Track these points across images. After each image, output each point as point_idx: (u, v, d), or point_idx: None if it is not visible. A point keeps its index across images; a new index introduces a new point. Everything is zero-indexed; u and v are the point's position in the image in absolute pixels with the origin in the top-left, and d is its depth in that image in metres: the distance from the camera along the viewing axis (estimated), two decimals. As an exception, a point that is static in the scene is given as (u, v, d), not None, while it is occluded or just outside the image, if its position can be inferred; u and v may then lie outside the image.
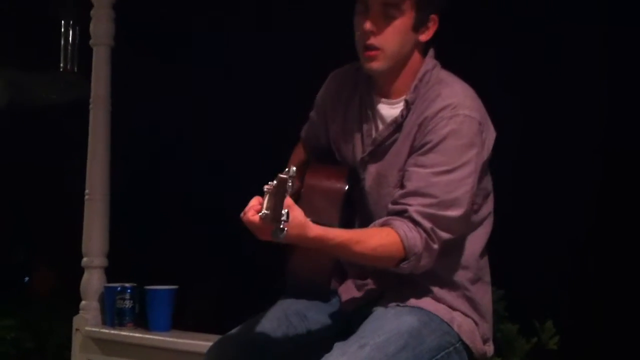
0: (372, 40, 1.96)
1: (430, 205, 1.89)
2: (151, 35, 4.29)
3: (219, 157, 4.15)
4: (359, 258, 1.94)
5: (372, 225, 1.96)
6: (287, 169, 1.69)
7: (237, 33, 4.08)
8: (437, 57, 2.09)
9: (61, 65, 4.28)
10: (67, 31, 4.24)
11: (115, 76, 3.33)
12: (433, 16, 2.00)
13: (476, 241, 2.07)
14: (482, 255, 2.10)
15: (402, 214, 1.91)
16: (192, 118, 4.27)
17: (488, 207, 2.09)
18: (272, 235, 1.69)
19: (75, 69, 4.25)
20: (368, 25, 1.95)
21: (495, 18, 3.27)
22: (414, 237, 1.88)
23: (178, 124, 4.32)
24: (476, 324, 2.08)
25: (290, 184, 1.67)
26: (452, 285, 2.04)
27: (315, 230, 1.80)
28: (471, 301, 2.08)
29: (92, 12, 3.34)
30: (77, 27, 4.22)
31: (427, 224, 1.89)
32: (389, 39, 1.96)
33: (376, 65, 1.99)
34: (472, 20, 3.23)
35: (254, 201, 1.77)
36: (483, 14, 3.27)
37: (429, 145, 1.93)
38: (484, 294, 2.12)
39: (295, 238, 1.77)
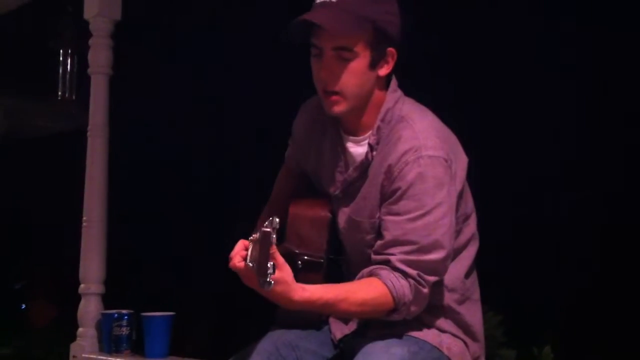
0: (331, 86, 1.93)
1: (411, 252, 1.88)
2: (149, 62, 4.32)
3: (215, 184, 4.16)
4: (346, 314, 1.94)
5: (359, 275, 1.95)
6: (269, 221, 1.66)
7: (234, 60, 4.11)
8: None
9: (59, 93, 4.31)
10: (65, 60, 4.28)
11: (113, 103, 3.36)
12: (390, 50, 1.96)
13: (461, 264, 2.06)
14: (468, 275, 2.09)
15: (386, 264, 1.90)
16: (189, 144, 4.29)
17: (469, 229, 2.07)
18: (258, 284, 1.67)
19: (74, 97, 4.27)
20: (324, 72, 1.92)
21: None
22: (402, 287, 1.87)
23: (175, 150, 4.34)
24: (466, 344, 2.07)
25: (274, 236, 1.65)
26: (439, 309, 2.03)
27: (300, 293, 1.78)
28: (460, 322, 2.07)
29: (90, 41, 3.38)
30: (75, 56, 4.25)
31: (413, 271, 1.88)
32: (347, 82, 1.92)
33: (338, 109, 1.96)
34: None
35: (239, 246, 1.76)
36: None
37: (398, 193, 1.92)
38: (474, 313, 2.11)
39: (279, 295, 1.75)
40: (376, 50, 1.93)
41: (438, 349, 2.00)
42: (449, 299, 2.03)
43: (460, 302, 2.06)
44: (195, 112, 4.27)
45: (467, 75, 3.27)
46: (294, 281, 1.77)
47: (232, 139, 4.06)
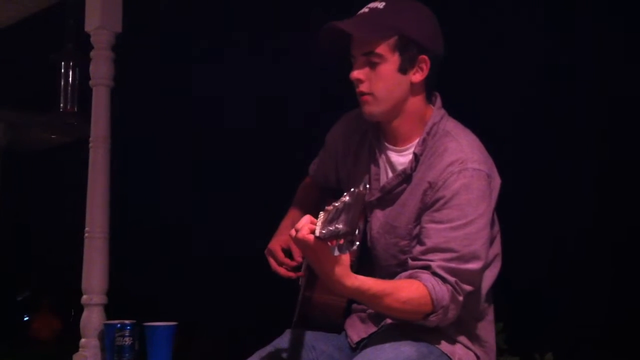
0: (362, 88, 2.04)
1: (451, 260, 1.93)
2: (150, 73, 4.34)
3: (218, 193, 4.17)
4: (388, 310, 1.95)
5: (398, 277, 1.99)
6: (361, 184, 1.67)
7: (236, 69, 4.13)
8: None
9: (61, 105, 4.33)
10: (67, 72, 4.29)
11: (115, 115, 3.38)
12: (422, 57, 2.03)
13: (484, 282, 2.09)
14: (488, 295, 2.13)
15: (425, 269, 1.94)
16: (191, 154, 4.31)
17: (494, 250, 2.12)
18: (331, 250, 1.66)
19: (75, 109, 4.29)
20: (355, 74, 2.04)
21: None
22: (442, 291, 1.91)
23: (177, 160, 4.35)
24: (477, 357, 2.10)
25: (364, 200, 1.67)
26: (458, 321, 2.05)
27: (352, 279, 1.82)
28: (475, 337, 2.11)
29: (91, 54, 3.40)
30: (77, 68, 4.27)
31: (451, 279, 1.92)
32: (377, 84, 2.02)
33: (370, 109, 2.05)
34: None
35: (307, 219, 1.78)
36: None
37: (442, 201, 1.97)
38: (489, 331, 2.16)
39: (337, 275, 1.79)
40: (405, 56, 2.02)
41: (449, 356, 2.03)
42: (467, 314, 2.07)
43: (479, 319, 2.12)
44: (197, 121, 4.29)
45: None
46: (349, 267, 1.81)
47: (235, 144, 4.08)
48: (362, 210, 2.07)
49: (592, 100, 3.11)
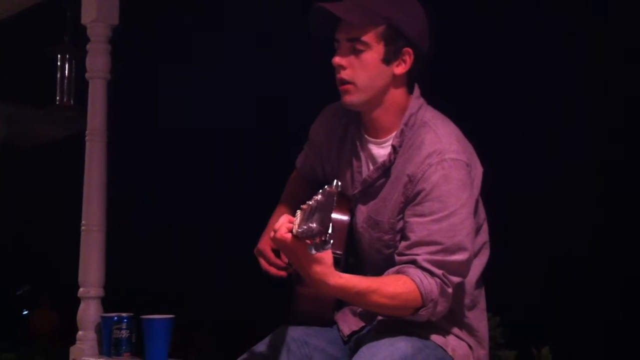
0: (343, 75, 2.02)
1: (436, 252, 1.92)
2: (147, 67, 4.33)
3: (218, 189, 4.17)
4: (376, 307, 1.95)
5: (385, 273, 1.98)
6: (333, 184, 1.66)
7: (233, 63, 4.13)
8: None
9: (57, 98, 4.32)
10: (63, 65, 4.29)
11: (112, 108, 3.38)
12: (407, 49, 2.02)
13: (472, 271, 2.08)
14: (478, 283, 2.13)
15: (412, 264, 1.94)
16: (190, 148, 4.31)
17: (481, 238, 2.12)
18: (308, 249, 1.67)
19: (72, 102, 4.29)
20: (337, 59, 2.02)
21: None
22: (430, 284, 1.91)
23: (175, 154, 4.35)
24: (471, 348, 2.11)
25: (336, 198, 1.66)
26: (449, 312, 2.04)
27: (336, 278, 1.81)
28: (467, 327, 2.11)
29: (88, 46, 3.40)
30: (74, 61, 4.27)
31: (438, 271, 1.92)
32: (358, 72, 2.01)
33: (349, 98, 2.03)
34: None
35: (284, 219, 1.79)
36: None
37: (422, 194, 1.97)
38: (480, 321, 2.15)
39: (319, 274, 1.78)
40: (390, 46, 2.00)
41: (443, 348, 2.03)
42: (458, 304, 2.07)
43: (470, 308, 2.11)
44: (193, 113, 4.29)
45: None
46: (332, 266, 1.80)
47: (231, 139, 4.08)
48: (346, 206, 2.10)
49: (591, 99, 3.11)
